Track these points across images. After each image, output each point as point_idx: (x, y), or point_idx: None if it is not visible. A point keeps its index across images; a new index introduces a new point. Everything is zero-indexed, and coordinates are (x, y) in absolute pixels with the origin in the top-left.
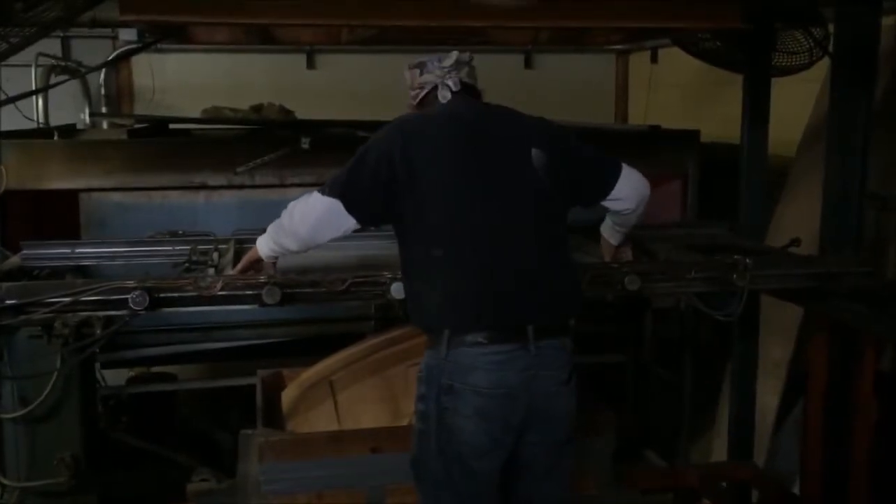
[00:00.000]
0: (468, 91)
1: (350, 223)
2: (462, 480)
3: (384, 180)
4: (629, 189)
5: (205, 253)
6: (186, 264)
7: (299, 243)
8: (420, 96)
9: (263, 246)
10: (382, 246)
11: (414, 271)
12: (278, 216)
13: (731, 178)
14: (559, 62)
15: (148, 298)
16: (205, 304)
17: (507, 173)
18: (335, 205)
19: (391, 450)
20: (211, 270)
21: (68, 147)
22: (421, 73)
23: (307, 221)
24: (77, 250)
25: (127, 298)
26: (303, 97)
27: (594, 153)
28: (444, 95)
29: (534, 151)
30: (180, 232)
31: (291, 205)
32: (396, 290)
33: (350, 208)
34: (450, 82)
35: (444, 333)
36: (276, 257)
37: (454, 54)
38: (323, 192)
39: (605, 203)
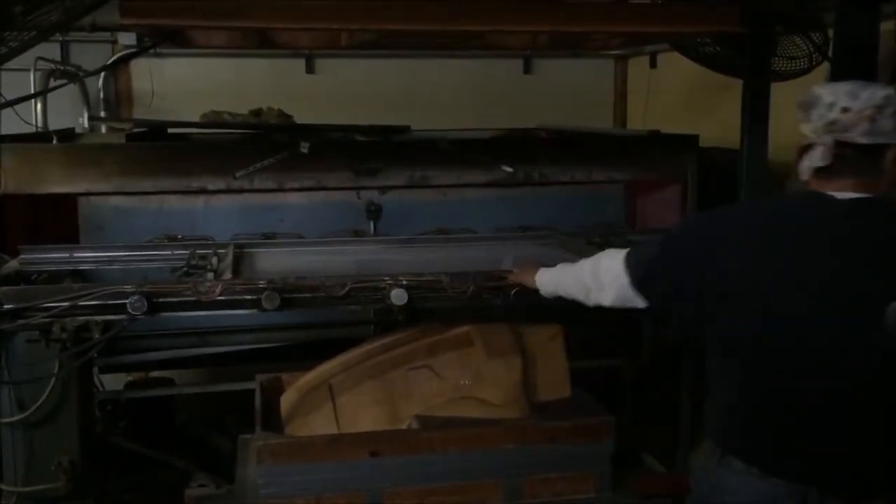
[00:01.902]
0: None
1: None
2: None
3: None
4: None
5: (204, 258)
6: (185, 269)
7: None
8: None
9: (548, 284)
10: (381, 251)
11: None
12: (277, 221)
13: (730, 183)
14: (558, 67)
15: (146, 303)
16: (204, 308)
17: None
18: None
19: (390, 453)
20: (210, 275)
21: (67, 151)
22: (806, 116)
23: None
24: (75, 254)
25: (125, 303)
26: (302, 102)
27: None
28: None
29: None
30: (179, 237)
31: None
32: (397, 296)
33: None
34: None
35: None
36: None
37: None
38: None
39: None
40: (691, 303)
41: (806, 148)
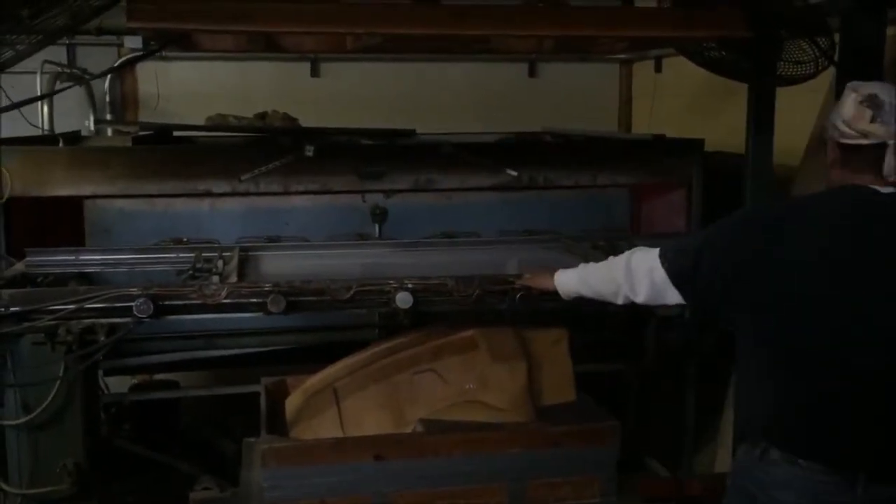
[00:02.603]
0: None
1: None
2: None
3: None
4: None
5: (209, 260)
6: (190, 272)
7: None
8: (850, 145)
9: (568, 284)
10: (386, 254)
11: None
12: (282, 224)
13: (735, 187)
14: (563, 71)
15: (152, 306)
16: (210, 312)
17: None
18: None
19: (395, 457)
20: (215, 278)
21: (73, 154)
22: (874, 116)
23: None
24: (81, 257)
25: (131, 306)
26: (307, 105)
27: None
28: (891, 167)
29: None
30: (184, 239)
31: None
32: (402, 300)
33: None
34: None
35: None
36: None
37: None
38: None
39: None
40: (728, 298)
41: (871, 147)
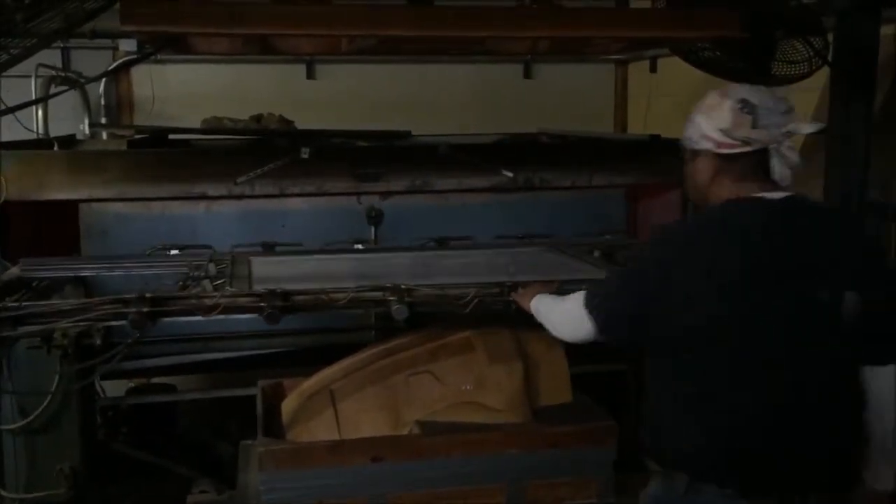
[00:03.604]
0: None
1: None
2: None
3: None
4: None
5: (204, 267)
6: (186, 281)
7: None
8: (732, 152)
9: (537, 312)
10: (382, 257)
11: None
12: (278, 226)
13: None
14: (558, 72)
15: (147, 321)
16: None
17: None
18: None
19: (392, 459)
20: (210, 285)
21: (68, 158)
22: (755, 121)
23: None
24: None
25: (127, 314)
26: (303, 107)
27: None
28: (781, 172)
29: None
30: (180, 247)
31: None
32: (398, 312)
33: None
34: (789, 153)
35: None
36: None
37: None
38: None
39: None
40: (649, 329)
41: (752, 154)
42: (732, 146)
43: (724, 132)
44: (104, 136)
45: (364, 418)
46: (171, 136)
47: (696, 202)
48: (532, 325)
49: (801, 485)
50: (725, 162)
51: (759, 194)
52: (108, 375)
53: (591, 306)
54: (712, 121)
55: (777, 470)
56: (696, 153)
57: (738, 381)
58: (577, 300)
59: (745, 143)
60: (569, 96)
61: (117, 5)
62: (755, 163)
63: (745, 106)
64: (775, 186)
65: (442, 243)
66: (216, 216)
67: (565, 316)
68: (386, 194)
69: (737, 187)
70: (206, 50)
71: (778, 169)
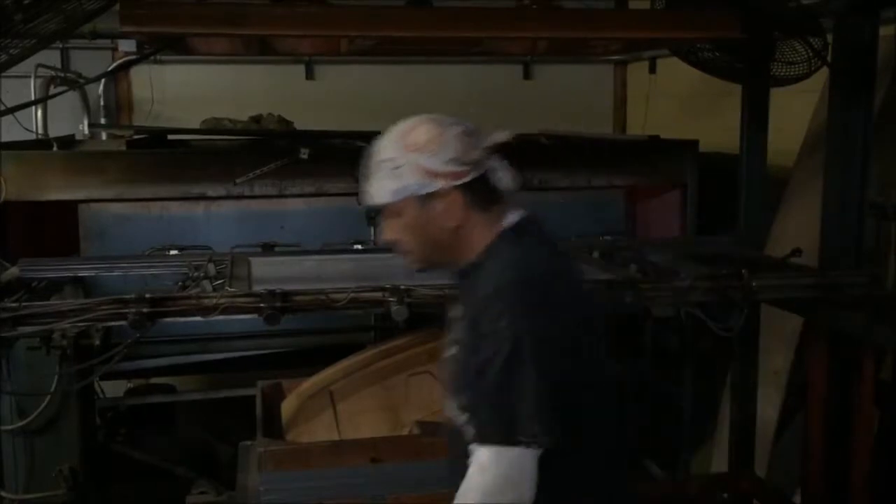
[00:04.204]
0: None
1: None
2: None
3: None
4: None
5: (203, 268)
6: (185, 282)
7: None
8: (469, 183)
9: None
10: (381, 258)
11: None
12: (277, 227)
13: (730, 188)
14: (558, 73)
15: (147, 322)
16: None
17: None
18: None
19: (391, 459)
20: (209, 286)
21: (67, 158)
22: (475, 143)
23: None
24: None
25: (127, 313)
26: (302, 108)
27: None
28: (507, 180)
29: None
30: (179, 247)
31: None
32: (397, 313)
33: None
34: (496, 162)
35: None
36: None
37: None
38: None
39: None
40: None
41: (481, 178)
42: (468, 174)
43: (456, 161)
44: (103, 136)
45: (363, 419)
46: (170, 137)
47: (437, 264)
48: None
49: None
50: (469, 192)
51: (512, 217)
52: (107, 376)
53: (525, 433)
54: (438, 155)
55: None
56: (427, 198)
57: (614, 445)
58: (489, 459)
59: (475, 166)
60: (568, 97)
61: (117, 6)
62: (489, 187)
63: (467, 129)
64: (507, 201)
65: None
66: (215, 217)
67: (500, 483)
68: None
69: (491, 217)
70: (206, 51)
71: (505, 177)
